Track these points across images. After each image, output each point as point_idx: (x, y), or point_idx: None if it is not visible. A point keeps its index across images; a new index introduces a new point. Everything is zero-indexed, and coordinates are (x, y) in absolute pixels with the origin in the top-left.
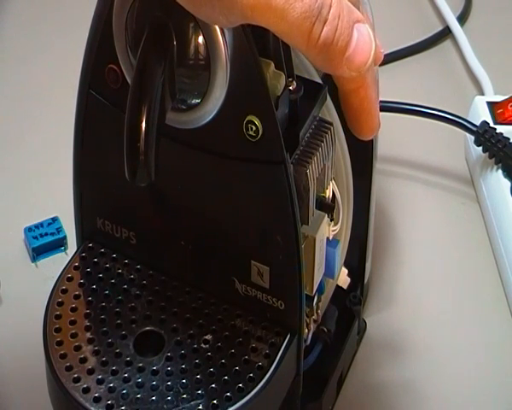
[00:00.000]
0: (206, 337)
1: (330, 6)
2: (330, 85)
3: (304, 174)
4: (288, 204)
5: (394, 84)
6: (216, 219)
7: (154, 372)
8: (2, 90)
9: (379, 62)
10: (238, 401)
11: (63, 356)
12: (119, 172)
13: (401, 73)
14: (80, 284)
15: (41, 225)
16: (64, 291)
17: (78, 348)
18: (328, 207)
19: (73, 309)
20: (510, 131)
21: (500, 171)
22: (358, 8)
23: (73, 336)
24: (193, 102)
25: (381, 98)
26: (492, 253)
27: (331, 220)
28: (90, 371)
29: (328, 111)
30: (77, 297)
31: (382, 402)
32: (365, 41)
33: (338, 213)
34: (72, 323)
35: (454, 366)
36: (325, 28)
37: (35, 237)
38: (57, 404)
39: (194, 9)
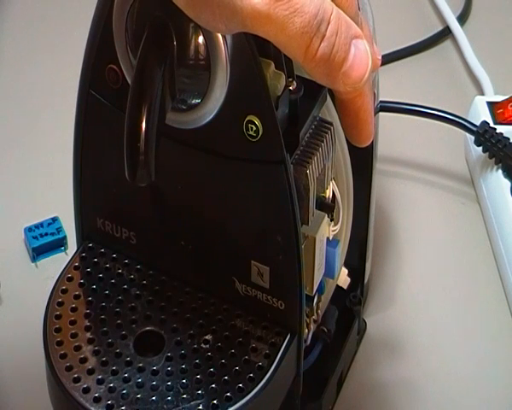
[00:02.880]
0: (206, 337)
1: (329, 22)
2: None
3: (304, 174)
4: (287, 204)
5: (394, 84)
6: (216, 219)
7: (154, 372)
8: (2, 91)
9: (377, 68)
10: (238, 401)
11: (63, 356)
12: (119, 172)
13: (401, 73)
14: (80, 284)
15: (41, 225)
16: (64, 291)
17: (78, 348)
18: (328, 207)
19: (73, 309)
20: (510, 131)
21: (500, 171)
22: (357, 22)
23: (73, 336)
24: (193, 102)
25: (381, 98)
26: (492, 253)
27: (331, 220)
28: (90, 372)
29: (328, 111)
30: (77, 297)
31: (382, 402)
32: (362, 57)
33: (338, 213)
34: (72, 323)
35: (454, 366)
36: (322, 44)
37: (35, 237)
38: (57, 404)
39: (194, 15)
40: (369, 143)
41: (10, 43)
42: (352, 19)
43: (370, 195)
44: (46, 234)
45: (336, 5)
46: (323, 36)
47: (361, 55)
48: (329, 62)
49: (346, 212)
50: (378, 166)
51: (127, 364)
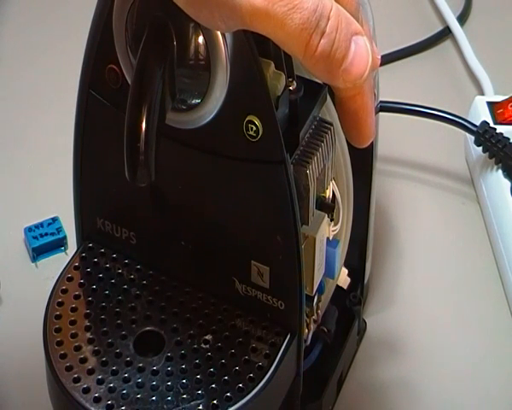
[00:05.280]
0: (207, 337)
1: (328, 18)
2: (330, 86)
3: (304, 174)
4: (287, 204)
5: (394, 84)
6: (216, 219)
7: (154, 372)
8: (2, 91)
9: (376, 68)
10: (238, 401)
11: (63, 356)
12: (119, 172)
13: (401, 73)
14: (80, 284)
15: (41, 225)
16: (64, 291)
17: (78, 348)
18: (328, 207)
19: (73, 309)
20: (510, 131)
21: (500, 171)
22: (357, 18)
23: (73, 336)
24: (193, 102)
25: (381, 98)
26: (492, 253)
27: (331, 220)
28: (90, 372)
29: (328, 111)
30: (77, 297)
31: (382, 402)
32: (362, 54)
33: (338, 213)
34: (72, 323)
35: (454, 366)
36: (322, 40)
37: (35, 237)
38: (57, 404)
39: (193, 13)
40: (368, 143)
41: (10, 43)
42: (351, 15)
43: (370, 195)
44: (46, 234)
45: (336, 1)
46: (323, 32)
47: (361, 51)
48: (330, 59)
49: (346, 212)
50: (378, 166)
51: (127, 364)
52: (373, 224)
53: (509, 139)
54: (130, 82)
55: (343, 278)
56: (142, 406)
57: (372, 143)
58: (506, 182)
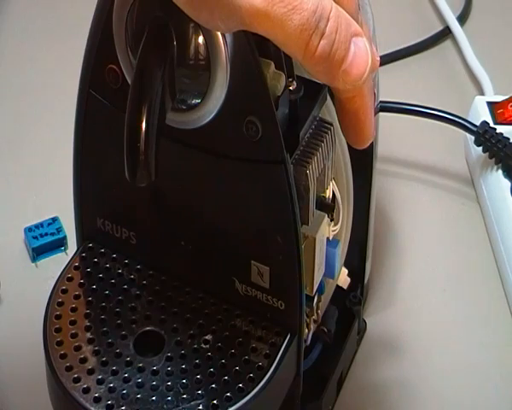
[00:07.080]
0: (207, 337)
1: (328, 19)
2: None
3: (304, 174)
4: (288, 204)
5: (394, 84)
6: (216, 219)
7: (154, 372)
8: (2, 91)
9: (375, 69)
10: (238, 401)
11: (63, 356)
12: (119, 172)
13: (401, 73)
14: (80, 284)
15: (41, 225)
16: (64, 291)
17: (78, 348)
18: (328, 207)
19: (73, 309)
20: (510, 131)
21: (500, 171)
22: (357, 20)
23: (73, 336)
24: (193, 102)
25: (381, 98)
26: (492, 253)
27: (331, 220)
28: (90, 372)
29: (328, 111)
30: (77, 297)
31: (382, 402)
32: (362, 55)
33: (338, 213)
34: (72, 323)
35: (454, 366)
36: (322, 42)
37: (35, 237)
38: (57, 404)
39: (193, 14)
40: (367, 144)
41: (10, 43)
42: (351, 16)
43: (370, 195)
44: (46, 234)
45: (336, 3)
46: (323, 33)
47: (361, 52)
48: (329, 60)
49: (346, 212)
50: (378, 166)
51: (127, 364)
52: (373, 224)
53: (508, 139)
54: (130, 82)
55: (343, 278)
56: (142, 406)
57: (372, 143)
58: (506, 182)
